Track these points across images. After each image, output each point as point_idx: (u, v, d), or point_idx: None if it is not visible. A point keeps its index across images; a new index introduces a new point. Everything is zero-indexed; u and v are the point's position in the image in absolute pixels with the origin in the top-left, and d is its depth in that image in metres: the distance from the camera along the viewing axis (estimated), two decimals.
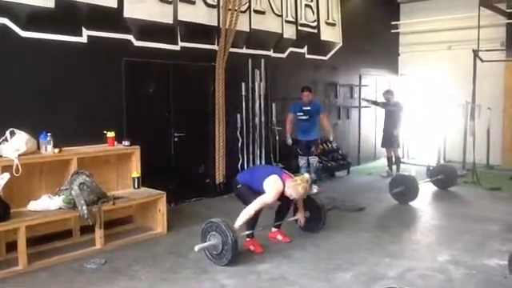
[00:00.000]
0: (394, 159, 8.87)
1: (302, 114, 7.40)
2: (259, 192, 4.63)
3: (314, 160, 7.52)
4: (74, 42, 5.41)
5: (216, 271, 4.23)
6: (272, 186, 4.62)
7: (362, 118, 10.50)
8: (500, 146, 9.87)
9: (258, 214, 4.68)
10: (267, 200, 4.57)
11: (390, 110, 8.77)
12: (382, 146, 9.11)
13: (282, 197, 4.74)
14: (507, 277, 4.01)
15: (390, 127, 8.75)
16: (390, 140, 8.80)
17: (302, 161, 7.52)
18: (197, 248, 4.34)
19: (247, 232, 4.71)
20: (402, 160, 8.97)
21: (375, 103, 9.48)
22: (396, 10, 11.44)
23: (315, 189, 7.64)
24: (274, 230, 5.12)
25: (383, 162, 10.65)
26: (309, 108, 7.42)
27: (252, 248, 4.72)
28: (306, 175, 4.78)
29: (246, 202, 4.67)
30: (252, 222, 4.70)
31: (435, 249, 4.83)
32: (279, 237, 5.05)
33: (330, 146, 8.82)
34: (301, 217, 5.16)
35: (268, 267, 4.33)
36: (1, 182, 4.11)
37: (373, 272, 4.20)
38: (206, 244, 4.39)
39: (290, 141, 7.42)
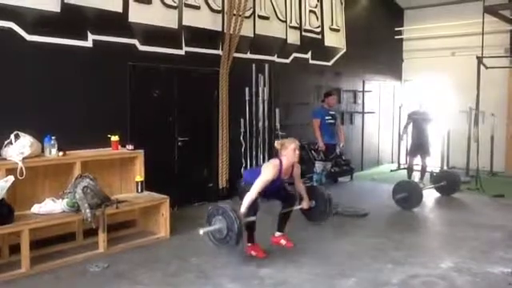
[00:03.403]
0: (421, 168, 8.52)
1: (329, 117, 7.53)
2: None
3: (329, 164, 7.63)
4: (79, 46, 5.43)
5: (219, 275, 4.23)
6: (267, 164, 4.77)
7: (365, 124, 10.50)
8: (504, 153, 9.86)
9: (254, 220, 4.66)
10: (267, 177, 4.57)
11: (419, 119, 8.42)
12: (411, 154, 8.67)
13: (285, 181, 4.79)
14: (511, 284, 4.00)
15: (421, 136, 8.40)
16: (420, 149, 8.43)
17: (321, 166, 7.53)
18: (201, 231, 4.34)
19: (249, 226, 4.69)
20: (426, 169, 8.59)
21: (405, 127, 8.79)
22: (400, 16, 11.47)
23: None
24: (277, 234, 5.09)
25: (387, 167, 10.67)
26: (334, 112, 7.65)
27: (254, 253, 4.70)
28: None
29: None
30: (251, 228, 4.68)
31: (438, 255, 4.81)
32: (283, 241, 5.04)
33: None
34: (305, 204, 5.12)
35: (271, 272, 4.32)
36: (5, 185, 4.12)
37: (376, 278, 4.18)
38: (211, 228, 4.38)
39: (323, 145, 7.43)
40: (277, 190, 4.87)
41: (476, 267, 4.43)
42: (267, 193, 4.71)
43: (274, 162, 4.76)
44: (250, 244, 4.75)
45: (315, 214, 5.27)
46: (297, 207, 5.15)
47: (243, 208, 4.46)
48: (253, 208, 4.57)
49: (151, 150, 5.59)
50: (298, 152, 4.76)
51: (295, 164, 4.89)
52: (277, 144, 4.89)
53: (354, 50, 9.72)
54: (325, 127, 7.51)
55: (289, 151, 4.71)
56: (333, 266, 4.46)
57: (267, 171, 4.63)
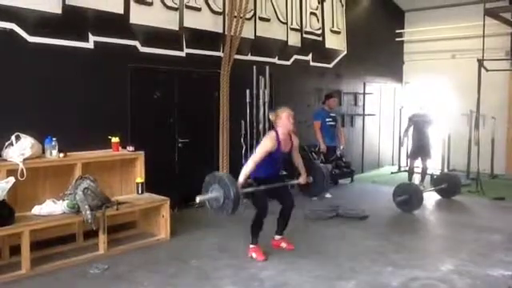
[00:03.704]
0: (422, 170, 8.51)
1: (330, 119, 7.56)
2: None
3: (329, 166, 7.59)
4: (80, 47, 5.45)
5: (219, 277, 4.23)
6: (265, 137, 4.80)
7: (365, 126, 10.51)
8: (504, 156, 9.86)
9: (262, 222, 4.68)
10: (264, 147, 4.58)
11: (420, 121, 8.38)
12: (412, 157, 8.62)
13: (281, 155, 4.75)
14: (511, 287, 3.99)
15: (422, 138, 8.36)
16: (421, 151, 8.40)
17: None
18: (198, 199, 4.34)
19: (252, 238, 4.74)
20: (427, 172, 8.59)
21: (406, 131, 8.76)
22: (401, 19, 11.48)
23: (327, 194, 7.69)
24: (277, 237, 5.08)
25: (387, 169, 10.67)
26: (334, 114, 7.67)
27: (254, 256, 4.70)
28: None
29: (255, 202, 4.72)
30: (257, 230, 4.71)
31: (438, 258, 4.81)
32: (283, 244, 5.03)
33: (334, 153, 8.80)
34: (302, 180, 5.03)
35: (271, 274, 4.32)
36: (6, 186, 4.13)
37: (376, 281, 4.18)
38: (207, 196, 4.36)
39: (324, 147, 7.41)
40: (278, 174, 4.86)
41: (476, 270, 4.43)
42: (268, 172, 4.68)
43: (271, 133, 4.76)
44: (252, 245, 4.75)
45: (312, 189, 5.26)
46: (294, 182, 5.09)
47: (241, 178, 4.46)
48: (258, 230, 4.68)
49: (152, 151, 5.60)
50: (292, 119, 4.73)
51: (293, 135, 4.87)
52: (271, 115, 4.91)
53: (354, 52, 9.73)
54: (325, 129, 7.52)
55: (283, 119, 4.70)
56: (333, 269, 4.46)
57: (264, 142, 4.66)
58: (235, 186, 4.23)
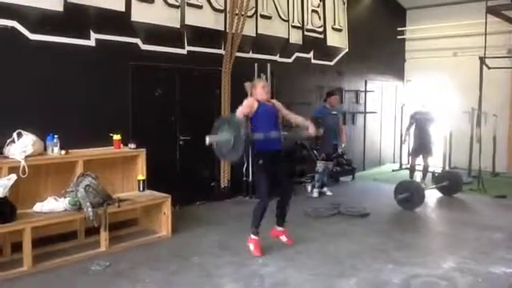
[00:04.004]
0: (423, 168, 8.48)
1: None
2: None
3: (331, 164, 7.72)
4: (81, 45, 5.45)
5: (220, 274, 4.24)
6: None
7: (367, 124, 10.49)
8: (506, 153, 9.84)
9: (265, 205, 4.71)
10: (245, 103, 4.74)
11: (422, 119, 8.33)
12: (414, 154, 8.57)
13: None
14: None
15: (423, 136, 8.32)
16: (422, 149, 8.36)
17: (323, 166, 7.52)
18: (208, 139, 4.32)
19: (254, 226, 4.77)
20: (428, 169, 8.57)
21: (408, 129, 8.68)
22: (402, 16, 11.46)
23: (328, 192, 7.69)
24: (278, 228, 5.07)
25: (388, 167, 10.66)
26: (336, 112, 7.69)
27: (252, 247, 4.73)
28: None
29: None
30: (259, 214, 4.72)
31: (440, 256, 4.81)
32: (283, 238, 5.03)
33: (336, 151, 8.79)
34: (312, 130, 4.93)
35: (271, 271, 4.33)
36: (7, 183, 4.13)
37: (376, 278, 4.18)
38: (217, 137, 4.35)
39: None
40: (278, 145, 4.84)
41: (478, 268, 4.43)
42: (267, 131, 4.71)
43: (248, 99, 4.89)
44: (253, 236, 4.76)
45: (323, 145, 5.20)
46: (304, 134, 5.03)
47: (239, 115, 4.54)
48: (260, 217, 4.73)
49: (153, 148, 5.60)
50: (266, 88, 4.90)
51: (272, 101, 4.97)
52: (247, 86, 5.02)
53: (356, 50, 9.72)
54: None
55: (258, 89, 4.85)
56: (333, 266, 4.47)
57: (244, 102, 4.78)
58: (244, 126, 4.30)
